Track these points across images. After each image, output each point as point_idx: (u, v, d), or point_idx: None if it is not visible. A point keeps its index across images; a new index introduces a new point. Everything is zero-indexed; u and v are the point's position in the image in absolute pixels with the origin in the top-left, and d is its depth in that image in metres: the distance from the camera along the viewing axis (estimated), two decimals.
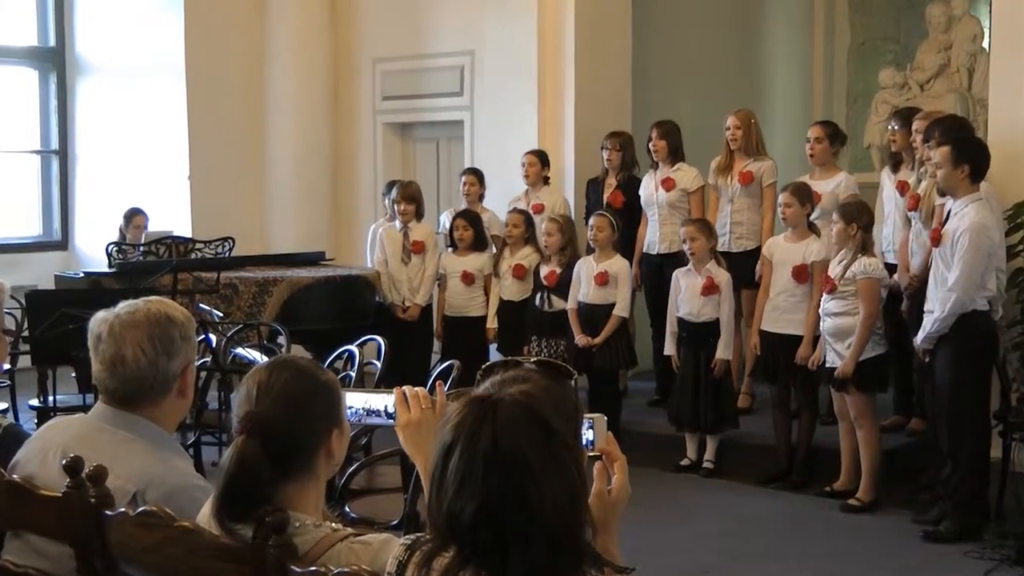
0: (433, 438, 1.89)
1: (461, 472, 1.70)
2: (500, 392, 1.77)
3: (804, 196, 6.73)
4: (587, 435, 2.06)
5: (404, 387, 2.39)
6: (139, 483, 2.48)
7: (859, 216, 6.30)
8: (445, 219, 8.56)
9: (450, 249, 8.21)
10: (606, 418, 2.11)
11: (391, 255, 8.17)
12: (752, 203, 7.58)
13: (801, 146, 7.47)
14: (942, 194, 5.91)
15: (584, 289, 7.41)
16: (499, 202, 8.44)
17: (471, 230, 8.05)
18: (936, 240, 5.87)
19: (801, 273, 6.64)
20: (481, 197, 8.41)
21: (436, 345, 8.37)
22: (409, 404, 2.37)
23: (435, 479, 1.74)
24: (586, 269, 7.43)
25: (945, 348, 5.81)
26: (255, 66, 10.01)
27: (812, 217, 6.87)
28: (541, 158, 8.31)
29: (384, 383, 5.54)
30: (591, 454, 2.06)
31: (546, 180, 8.34)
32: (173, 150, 9.89)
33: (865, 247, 6.27)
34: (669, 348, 7.17)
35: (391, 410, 2.38)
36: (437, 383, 2.45)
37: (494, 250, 8.19)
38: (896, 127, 6.90)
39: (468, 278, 8.03)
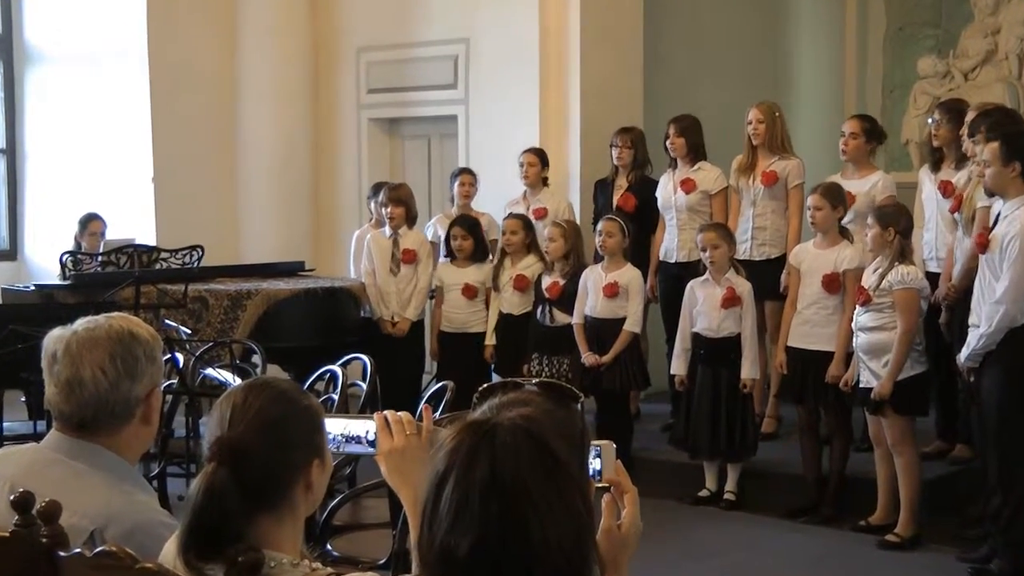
0: (419, 467, 1.89)
1: (456, 504, 1.70)
2: (498, 416, 1.77)
3: (835, 198, 6.74)
4: (594, 464, 2.06)
5: (386, 412, 2.39)
6: (97, 520, 2.48)
7: (897, 220, 6.31)
8: (435, 227, 8.57)
9: (446, 259, 8.21)
10: (615, 446, 2.12)
11: (379, 265, 8.18)
12: (777, 206, 7.59)
13: (831, 143, 7.48)
14: (990, 195, 5.91)
15: (591, 302, 7.42)
16: (498, 206, 8.46)
17: (471, 238, 8.06)
18: (983, 246, 5.87)
19: (832, 283, 6.65)
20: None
21: (428, 365, 8.37)
22: (392, 430, 2.37)
23: (427, 511, 1.74)
24: (594, 279, 7.44)
25: (993, 367, 5.80)
26: (226, 55, 10.03)
27: (844, 221, 6.88)
28: (541, 157, 8.33)
29: (370, 406, 5.55)
30: (599, 485, 2.06)
31: (545, 181, 8.36)
32: (135, 148, 9.89)
33: (903, 254, 6.28)
34: (676, 367, 7.17)
35: (372, 437, 2.39)
36: (425, 407, 2.45)
37: (492, 259, 8.20)
38: (937, 121, 6.91)
39: (470, 291, 8.04)
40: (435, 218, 8.78)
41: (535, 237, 7.94)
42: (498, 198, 8.49)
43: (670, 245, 7.92)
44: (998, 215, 5.85)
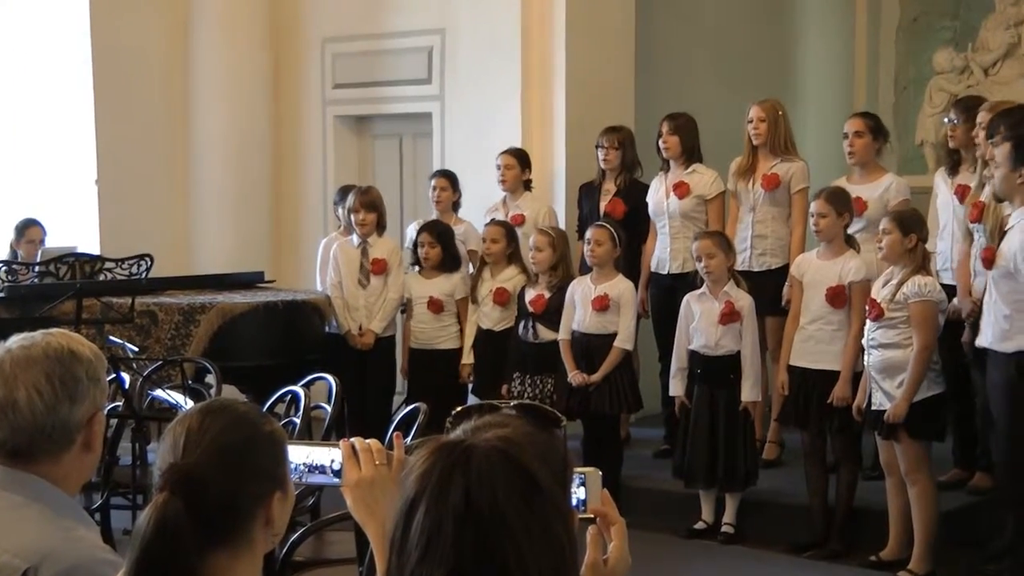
0: (388, 501, 1.90)
1: (427, 532, 1.71)
2: (474, 438, 1.78)
3: (841, 204, 6.76)
4: (578, 493, 2.07)
5: (354, 439, 2.40)
6: (31, 558, 2.47)
7: (920, 226, 6.32)
8: (412, 232, 8.58)
9: (415, 269, 8.22)
10: (601, 473, 2.13)
11: (346, 276, 8.19)
12: (778, 212, 7.62)
13: (839, 144, 7.50)
14: (999, 199, 5.97)
15: (579, 316, 7.44)
16: (476, 211, 8.47)
17: (438, 246, 8.07)
18: (989, 261, 5.93)
19: (837, 297, 6.68)
20: (456, 205, 8.44)
21: (400, 384, 8.38)
22: (359, 460, 2.38)
23: (395, 541, 1.75)
24: (582, 292, 7.46)
25: (1002, 389, 5.87)
26: (177, 45, 10.01)
27: (854, 229, 6.91)
28: (520, 159, 8.34)
29: (335, 431, 5.55)
30: (583, 516, 2.07)
31: (527, 185, 8.38)
32: (77, 148, 9.87)
33: (924, 265, 6.28)
34: (675, 388, 7.19)
35: (338, 467, 2.39)
36: (395, 435, 2.46)
37: (471, 269, 8.21)
38: (955, 120, 6.95)
39: (435, 305, 8.05)
40: (413, 224, 8.76)
41: (517, 246, 7.95)
42: (477, 203, 8.50)
43: (662, 255, 7.95)
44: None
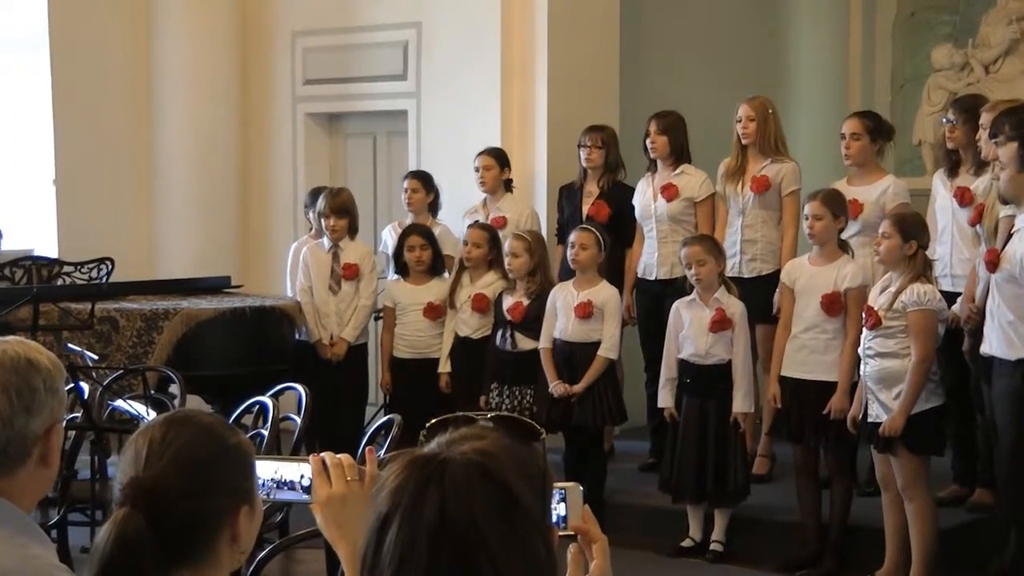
0: (360, 519, 1.90)
1: (400, 549, 1.71)
2: (449, 451, 1.79)
3: (836, 206, 6.77)
4: (558, 509, 2.08)
5: (324, 454, 2.40)
6: None
7: (921, 232, 6.32)
8: (388, 236, 8.58)
9: (395, 277, 8.19)
10: (582, 488, 2.14)
11: (317, 281, 8.18)
12: (769, 216, 7.63)
13: (832, 144, 7.53)
14: (1004, 202, 5.99)
15: (561, 324, 7.44)
16: (455, 213, 8.47)
17: (430, 249, 8.07)
18: (992, 264, 5.95)
19: (832, 304, 6.69)
20: (433, 208, 8.42)
21: (373, 395, 8.37)
22: (330, 475, 2.38)
23: (367, 559, 1.75)
24: (564, 298, 7.47)
25: (1008, 398, 5.89)
26: (140, 39, 10.00)
27: (849, 233, 6.92)
28: (498, 159, 8.34)
29: (305, 444, 5.55)
30: (563, 533, 2.08)
31: (507, 185, 8.38)
32: (34, 147, 9.85)
33: (924, 272, 6.28)
34: (664, 399, 7.20)
35: (307, 482, 2.40)
36: (368, 450, 2.47)
37: (447, 274, 8.21)
38: (954, 119, 6.97)
39: (435, 311, 8.01)
40: (389, 226, 8.76)
41: (500, 252, 7.94)
42: (454, 205, 8.50)
43: (649, 260, 7.96)
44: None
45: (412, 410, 5.40)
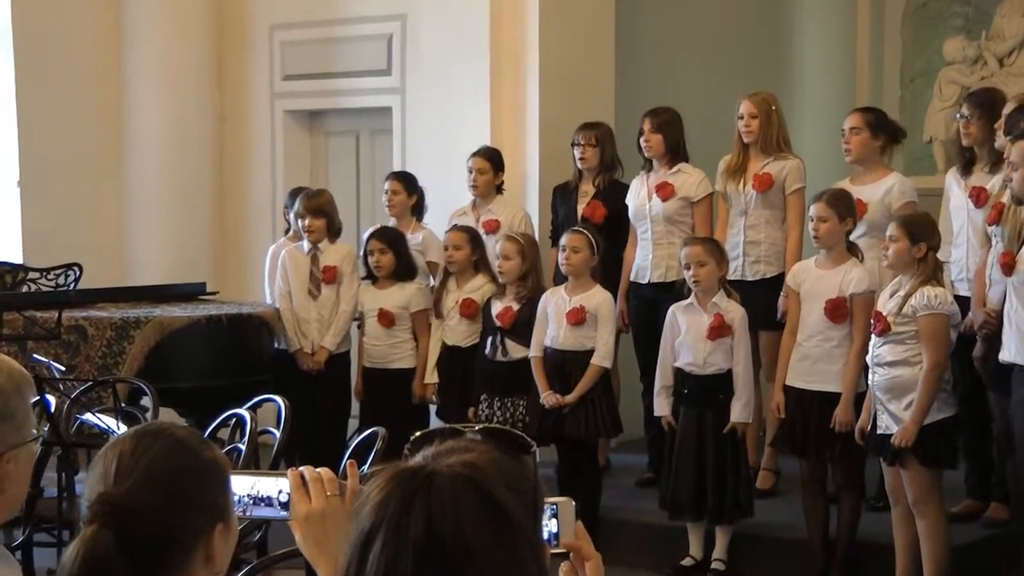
0: (340, 536, 1.90)
1: (384, 567, 1.71)
2: (436, 463, 1.79)
3: (843, 207, 6.77)
4: (549, 525, 2.08)
5: (303, 468, 2.40)
6: None
7: (930, 233, 6.31)
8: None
9: (367, 280, 8.20)
10: (574, 504, 2.14)
11: (295, 286, 8.18)
12: (772, 216, 7.65)
13: (839, 142, 7.51)
14: (1019, 202, 6.00)
15: (553, 331, 7.44)
16: (441, 215, 8.46)
17: (390, 252, 8.05)
18: (1008, 267, 5.96)
19: (837, 310, 6.69)
20: (417, 210, 8.40)
21: (356, 407, 8.37)
22: (310, 491, 2.38)
23: None
24: (556, 304, 7.47)
25: None
26: (109, 32, 9.99)
27: (855, 235, 6.93)
28: (493, 162, 8.32)
29: (284, 458, 5.55)
30: (555, 551, 2.08)
31: (499, 188, 8.38)
32: None
33: (936, 275, 6.28)
34: (660, 407, 7.19)
35: (286, 498, 2.40)
36: (349, 463, 2.47)
37: (431, 281, 8.20)
38: (967, 115, 6.96)
39: (386, 318, 8.03)
40: (369, 230, 8.75)
41: (484, 253, 7.94)
42: (440, 208, 8.48)
43: (643, 263, 7.95)
44: None
45: (378, 422, 5.38)
